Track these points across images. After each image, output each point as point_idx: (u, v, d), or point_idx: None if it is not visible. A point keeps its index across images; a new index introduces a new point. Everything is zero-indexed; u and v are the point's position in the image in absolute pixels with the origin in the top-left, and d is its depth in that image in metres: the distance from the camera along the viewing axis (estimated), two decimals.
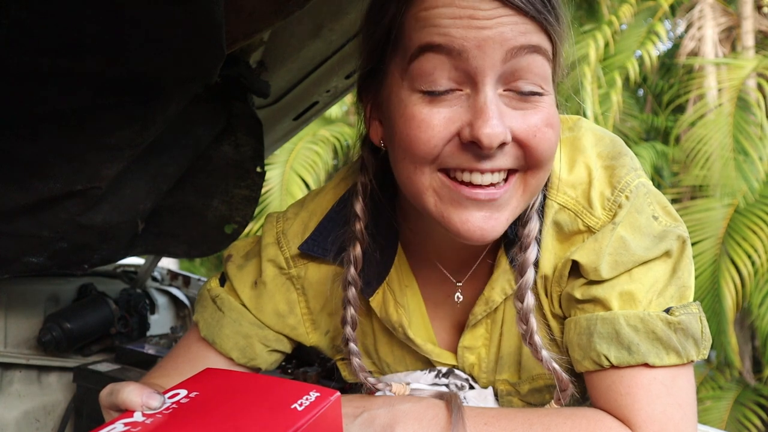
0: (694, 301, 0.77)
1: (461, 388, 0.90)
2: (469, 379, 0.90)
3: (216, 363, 0.92)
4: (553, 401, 0.79)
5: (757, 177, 5.62)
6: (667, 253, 0.76)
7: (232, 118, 1.31)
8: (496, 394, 0.91)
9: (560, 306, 0.81)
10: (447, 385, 0.90)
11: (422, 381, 0.90)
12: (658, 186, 6.79)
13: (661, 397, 0.72)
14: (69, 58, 0.85)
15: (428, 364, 0.91)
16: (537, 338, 0.75)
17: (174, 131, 1.13)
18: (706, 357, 0.76)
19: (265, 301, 0.92)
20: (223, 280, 0.97)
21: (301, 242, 0.89)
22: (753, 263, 5.31)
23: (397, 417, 0.73)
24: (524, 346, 0.84)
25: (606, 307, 0.75)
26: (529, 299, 0.74)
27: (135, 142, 1.01)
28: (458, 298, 0.85)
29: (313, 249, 0.88)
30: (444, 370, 0.90)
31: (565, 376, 0.75)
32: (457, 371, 0.90)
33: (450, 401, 0.75)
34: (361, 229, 0.82)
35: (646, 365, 0.72)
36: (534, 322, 0.74)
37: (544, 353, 0.75)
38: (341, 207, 0.88)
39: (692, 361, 0.74)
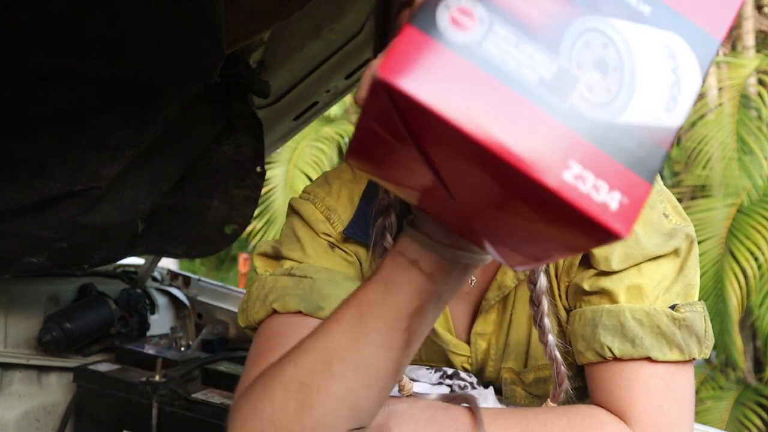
0: (699, 300, 0.78)
1: (464, 388, 0.90)
2: (474, 382, 0.90)
3: None
4: (549, 399, 0.80)
5: (761, 174, 5.61)
6: (675, 252, 0.77)
7: (232, 118, 1.31)
8: (497, 392, 0.91)
9: (567, 298, 0.82)
10: (450, 386, 0.90)
11: (426, 379, 0.90)
12: None
13: (660, 392, 0.72)
14: (69, 58, 0.85)
15: (441, 356, 0.91)
16: (546, 321, 0.75)
17: (174, 131, 1.13)
18: (707, 356, 0.77)
19: (339, 263, 0.84)
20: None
21: (347, 223, 0.84)
22: (756, 260, 5.30)
23: (393, 417, 0.73)
24: (533, 334, 0.85)
25: (613, 300, 0.75)
26: (542, 281, 0.75)
27: (135, 142, 1.02)
28: (472, 281, 0.85)
29: (356, 234, 0.83)
30: (449, 371, 0.90)
31: (563, 368, 0.76)
32: (462, 374, 0.90)
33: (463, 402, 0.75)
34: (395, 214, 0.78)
35: (648, 359, 0.73)
36: (546, 304, 0.75)
37: (550, 337, 0.75)
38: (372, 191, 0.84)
39: (693, 359, 0.75)
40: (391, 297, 0.48)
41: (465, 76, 0.32)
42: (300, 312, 0.78)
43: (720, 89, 6.35)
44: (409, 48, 0.32)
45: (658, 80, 0.34)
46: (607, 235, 0.32)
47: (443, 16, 0.32)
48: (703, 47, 0.35)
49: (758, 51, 6.53)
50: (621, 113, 0.33)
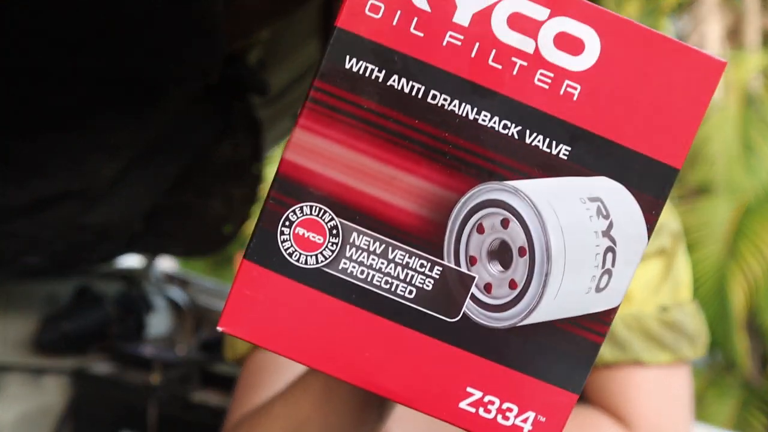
0: (698, 299, 0.77)
1: None
2: None
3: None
4: None
5: (767, 170, 5.59)
6: (661, 251, 0.76)
7: (232, 118, 1.31)
8: None
9: None
10: None
11: None
12: None
13: (654, 395, 0.72)
14: (69, 58, 0.85)
15: None
16: None
17: (174, 131, 1.13)
18: (702, 355, 0.76)
19: None
20: None
21: None
22: (764, 258, 5.28)
23: (393, 417, 0.73)
24: None
25: None
26: None
27: (134, 142, 1.01)
28: None
29: None
30: None
31: None
32: None
33: None
34: None
35: (640, 363, 0.72)
36: None
37: None
38: None
39: (687, 360, 0.74)
40: None
41: (320, 312, 0.27)
42: None
43: (723, 88, 6.34)
44: (248, 290, 0.27)
45: (583, 253, 0.27)
46: None
47: (286, 237, 0.27)
48: (652, 184, 0.27)
49: (764, 47, 6.51)
50: (531, 311, 0.28)
